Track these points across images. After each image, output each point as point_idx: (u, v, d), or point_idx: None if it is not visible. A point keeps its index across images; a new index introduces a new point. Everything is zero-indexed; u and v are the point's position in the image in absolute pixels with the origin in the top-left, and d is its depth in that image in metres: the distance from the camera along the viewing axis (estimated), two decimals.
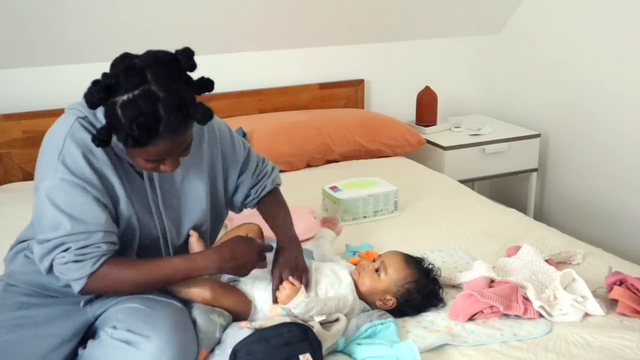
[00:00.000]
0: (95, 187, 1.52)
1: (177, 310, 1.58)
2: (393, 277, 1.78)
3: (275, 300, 1.68)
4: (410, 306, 1.78)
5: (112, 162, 1.57)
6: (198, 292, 1.65)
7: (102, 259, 1.53)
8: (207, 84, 1.53)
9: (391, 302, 1.76)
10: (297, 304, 1.62)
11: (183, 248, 1.75)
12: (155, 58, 1.46)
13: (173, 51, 1.51)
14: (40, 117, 2.84)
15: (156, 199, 1.67)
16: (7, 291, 1.65)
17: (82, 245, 1.51)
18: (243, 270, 1.66)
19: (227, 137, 1.84)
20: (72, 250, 1.51)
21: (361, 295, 1.78)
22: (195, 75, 1.52)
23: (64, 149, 1.51)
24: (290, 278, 1.68)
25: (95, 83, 1.42)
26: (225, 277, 1.77)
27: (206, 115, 1.47)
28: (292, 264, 1.75)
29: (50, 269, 1.55)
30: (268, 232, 1.93)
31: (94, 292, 1.59)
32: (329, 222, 2.33)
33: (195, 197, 1.75)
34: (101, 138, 1.44)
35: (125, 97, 1.40)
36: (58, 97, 2.85)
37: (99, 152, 1.54)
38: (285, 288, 1.65)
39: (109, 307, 1.62)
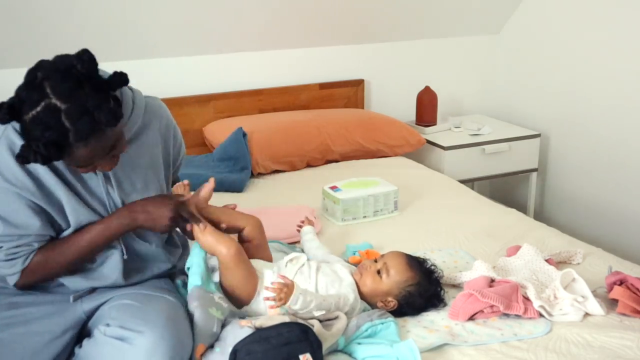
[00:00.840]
0: (30, 192, 1.53)
1: (170, 304, 1.58)
2: (395, 279, 1.78)
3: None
4: (411, 308, 1.78)
5: (53, 165, 1.55)
6: (226, 247, 1.66)
7: (32, 256, 1.57)
8: (119, 78, 1.47)
9: (392, 303, 1.76)
10: (296, 299, 1.60)
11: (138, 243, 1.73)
12: (54, 68, 1.42)
13: (74, 53, 1.47)
14: None
15: (112, 193, 1.64)
16: None
17: (12, 246, 1.55)
18: (157, 224, 1.63)
19: (175, 135, 1.83)
20: (3, 249, 1.55)
21: (362, 296, 1.78)
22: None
23: None
24: (278, 277, 1.66)
25: (0, 106, 1.40)
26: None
27: (111, 117, 1.40)
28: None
29: None
30: (272, 233, 1.94)
31: (31, 284, 1.62)
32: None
33: (151, 190, 1.73)
34: (22, 155, 1.40)
35: (30, 115, 1.38)
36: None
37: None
38: (282, 290, 1.60)
39: (100, 303, 1.63)
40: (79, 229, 1.61)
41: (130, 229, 1.64)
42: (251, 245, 1.84)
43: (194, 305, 1.60)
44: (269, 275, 1.74)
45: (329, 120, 3.17)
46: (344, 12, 3.32)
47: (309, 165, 3.08)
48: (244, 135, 2.96)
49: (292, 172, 3.01)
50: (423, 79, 3.63)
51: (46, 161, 1.40)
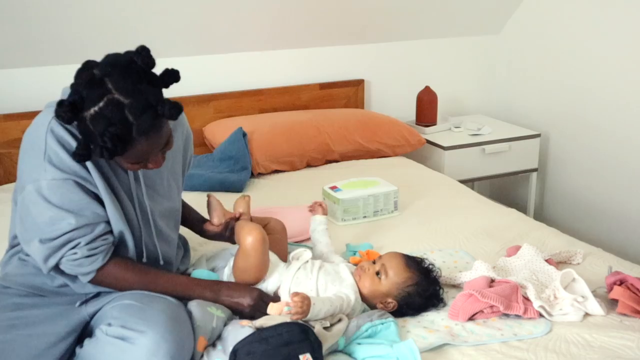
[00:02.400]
0: (85, 180, 1.53)
1: (172, 305, 1.59)
2: (394, 280, 1.78)
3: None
4: (411, 308, 1.78)
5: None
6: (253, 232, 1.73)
7: (111, 251, 1.58)
8: (172, 75, 1.50)
9: (392, 304, 1.76)
10: (317, 311, 1.61)
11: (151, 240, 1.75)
12: (113, 64, 1.44)
13: (132, 50, 1.49)
14: None
15: (140, 192, 1.67)
16: (2, 293, 1.66)
17: (90, 239, 1.54)
18: (237, 308, 1.68)
19: (191, 144, 1.89)
20: (82, 245, 1.53)
21: (362, 297, 1.78)
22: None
23: (47, 148, 1.52)
24: (294, 293, 1.65)
25: (60, 104, 1.42)
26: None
27: (174, 111, 1.45)
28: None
29: (54, 268, 1.57)
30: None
31: (100, 285, 1.63)
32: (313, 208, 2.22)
33: (173, 195, 1.78)
34: (80, 153, 1.44)
35: (92, 111, 1.41)
36: (58, 97, 2.85)
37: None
38: (302, 304, 1.59)
39: (103, 305, 1.63)
40: (164, 273, 1.68)
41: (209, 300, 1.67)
42: (272, 238, 1.88)
43: (192, 304, 1.62)
44: (275, 272, 1.78)
45: (329, 120, 3.17)
46: (344, 12, 3.32)
47: (309, 165, 3.08)
48: (244, 135, 2.96)
49: (292, 172, 3.01)
50: (423, 79, 3.63)
51: (112, 155, 1.43)
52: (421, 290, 1.78)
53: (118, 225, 1.60)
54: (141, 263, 1.68)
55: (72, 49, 2.92)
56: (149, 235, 1.70)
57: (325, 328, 1.60)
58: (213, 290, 1.67)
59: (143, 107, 1.42)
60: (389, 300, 1.76)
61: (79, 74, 1.45)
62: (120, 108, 1.40)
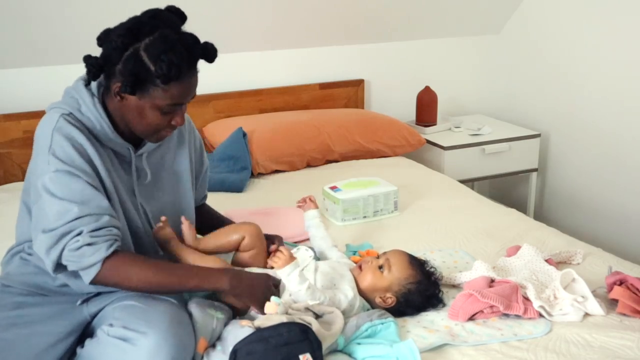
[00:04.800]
0: (88, 175, 1.54)
1: (173, 306, 1.59)
2: (396, 275, 1.78)
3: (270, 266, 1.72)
4: (410, 306, 1.78)
5: (99, 155, 1.58)
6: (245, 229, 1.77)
7: (116, 244, 1.52)
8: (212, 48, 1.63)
9: (391, 300, 1.76)
10: (290, 270, 1.63)
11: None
12: (154, 13, 1.57)
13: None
14: (40, 117, 2.80)
15: (141, 201, 1.69)
16: (3, 292, 1.66)
17: (94, 228, 1.49)
18: (248, 300, 1.64)
19: (200, 147, 1.94)
20: (85, 233, 1.48)
21: (361, 292, 1.78)
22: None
23: (53, 142, 1.53)
24: (283, 247, 1.70)
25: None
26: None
27: (214, 52, 1.60)
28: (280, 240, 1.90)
29: (57, 262, 1.51)
30: (274, 233, 1.97)
31: (105, 283, 1.54)
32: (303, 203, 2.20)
33: (180, 192, 1.80)
34: (128, 85, 1.52)
35: (147, 40, 1.50)
36: (58, 97, 2.80)
37: (87, 144, 1.56)
38: (284, 253, 1.65)
39: (105, 305, 1.63)
40: (175, 264, 1.65)
41: (220, 290, 1.63)
42: (251, 253, 1.84)
43: (192, 305, 1.62)
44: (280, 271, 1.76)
45: (329, 120, 3.17)
46: (344, 12, 3.32)
47: (309, 165, 3.08)
48: (244, 135, 2.96)
49: (292, 172, 3.01)
50: (423, 79, 3.63)
51: (166, 81, 1.50)
52: (422, 289, 1.78)
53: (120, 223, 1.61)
54: (144, 255, 1.64)
55: (72, 49, 2.92)
56: (148, 235, 1.71)
57: (324, 327, 1.60)
58: (229, 282, 1.61)
59: (193, 41, 1.55)
60: (388, 295, 1.76)
61: (114, 29, 1.57)
62: (173, 39, 1.51)
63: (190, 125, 1.89)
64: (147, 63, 1.49)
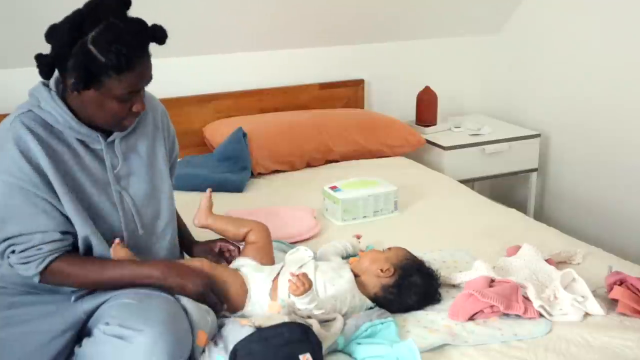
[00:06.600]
0: (34, 185, 1.55)
1: (169, 303, 1.58)
2: (396, 252, 1.87)
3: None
4: (409, 284, 1.78)
5: (57, 155, 1.59)
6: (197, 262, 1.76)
7: (48, 260, 1.58)
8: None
9: (391, 270, 1.79)
10: (309, 299, 1.63)
11: (146, 239, 1.75)
12: (97, 2, 1.56)
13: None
14: None
15: (118, 189, 1.69)
16: None
17: (23, 249, 1.56)
18: (185, 291, 1.64)
19: (173, 134, 1.93)
20: (16, 253, 1.57)
21: (360, 275, 1.81)
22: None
23: (5, 149, 1.56)
24: (301, 274, 1.67)
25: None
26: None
27: (163, 33, 1.60)
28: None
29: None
30: (273, 233, 1.99)
31: (51, 284, 1.64)
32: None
33: (157, 178, 1.79)
34: (79, 82, 1.51)
35: (93, 33, 1.49)
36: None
37: (37, 149, 1.56)
38: (305, 283, 1.63)
39: (100, 303, 1.63)
40: (109, 260, 1.64)
41: (157, 284, 1.64)
42: (255, 246, 1.89)
43: (184, 301, 1.61)
44: (260, 277, 1.76)
45: (329, 120, 3.17)
46: (344, 12, 3.31)
47: (309, 165, 3.08)
48: (244, 135, 2.96)
49: (292, 172, 3.01)
50: (423, 79, 3.62)
51: (118, 71, 1.50)
52: (419, 267, 1.84)
53: (84, 229, 1.61)
54: (88, 256, 1.65)
55: None
56: (129, 224, 1.71)
57: (324, 327, 1.60)
58: (162, 274, 1.64)
59: (140, 28, 1.56)
60: (387, 266, 1.80)
61: (58, 25, 1.58)
62: (119, 28, 1.51)
63: (164, 113, 1.89)
64: (97, 56, 1.49)
